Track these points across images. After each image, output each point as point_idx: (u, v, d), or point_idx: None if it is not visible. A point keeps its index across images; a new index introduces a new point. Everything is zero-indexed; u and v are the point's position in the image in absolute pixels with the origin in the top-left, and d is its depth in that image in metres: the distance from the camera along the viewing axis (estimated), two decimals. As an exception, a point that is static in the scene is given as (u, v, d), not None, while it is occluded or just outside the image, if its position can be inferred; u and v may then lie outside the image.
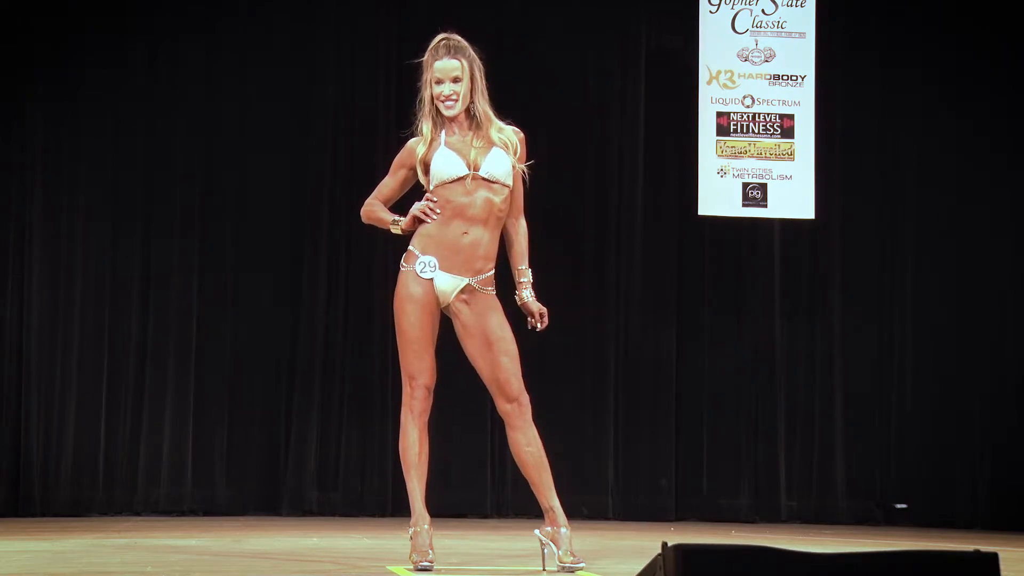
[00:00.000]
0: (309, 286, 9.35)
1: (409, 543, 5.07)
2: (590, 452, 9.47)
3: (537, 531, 5.12)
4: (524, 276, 5.19)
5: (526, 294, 5.16)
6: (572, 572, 4.95)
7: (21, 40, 9.02)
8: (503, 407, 5.14)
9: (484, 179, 5.07)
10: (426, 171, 5.15)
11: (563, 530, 5.05)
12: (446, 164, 5.07)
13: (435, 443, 9.24)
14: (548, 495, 5.10)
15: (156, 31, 9.28)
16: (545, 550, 5.09)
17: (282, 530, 7.65)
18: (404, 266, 5.13)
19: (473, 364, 5.19)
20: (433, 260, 5.06)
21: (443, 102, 5.08)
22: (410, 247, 5.14)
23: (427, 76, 5.11)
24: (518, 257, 5.22)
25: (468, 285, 5.09)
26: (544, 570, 5.08)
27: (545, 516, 5.12)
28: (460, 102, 5.08)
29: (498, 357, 5.09)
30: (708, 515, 9.52)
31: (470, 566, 5.38)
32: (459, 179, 5.06)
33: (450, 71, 5.07)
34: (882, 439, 9.76)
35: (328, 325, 9.33)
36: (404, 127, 9.96)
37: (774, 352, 9.74)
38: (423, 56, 5.18)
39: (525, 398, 5.11)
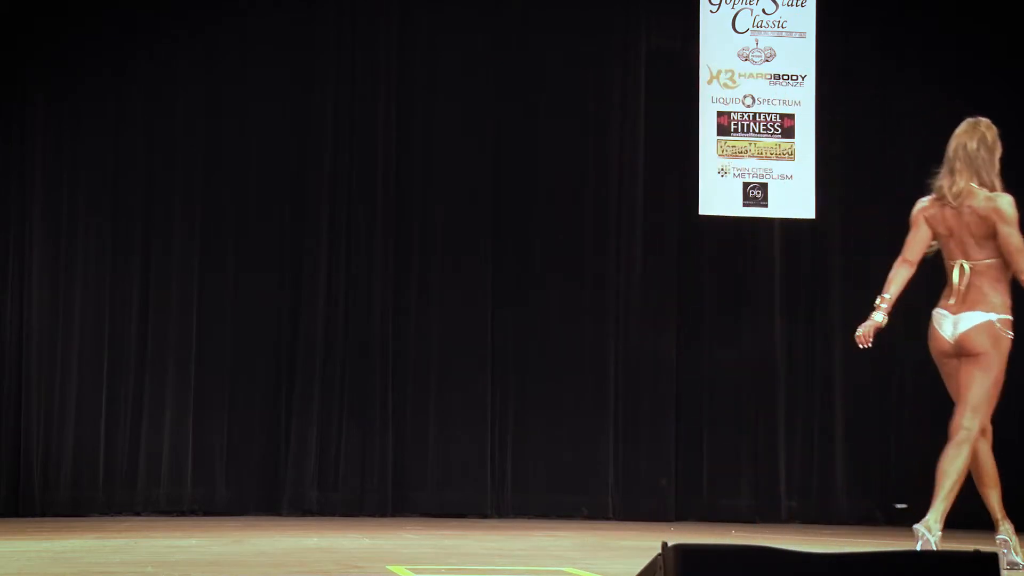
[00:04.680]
0: (309, 286, 9.34)
1: None
2: (590, 452, 9.46)
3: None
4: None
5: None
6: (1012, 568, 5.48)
7: (21, 40, 9.02)
8: None
9: None
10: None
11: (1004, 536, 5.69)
12: None
13: (436, 443, 9.35)
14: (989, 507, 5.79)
15: (156, 31, 9.28)
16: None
17: (282, 530, 7.64)
18: (1009, 333, 5.98)
19: None
20: None
21: None
22: (1004, 315, 5.98)
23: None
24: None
25: None
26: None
27: None
28: None
29: None
30: (708, 515, 9.51)
31: (470, 566, 5.37)
32: None
33: None
34: (882, 439, 9.76)
35: (328, 325, 9.33)
36: (403, 127, 9.97)
37: (774, 352, 9.74)
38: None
39: (957, 430, 6.05)
